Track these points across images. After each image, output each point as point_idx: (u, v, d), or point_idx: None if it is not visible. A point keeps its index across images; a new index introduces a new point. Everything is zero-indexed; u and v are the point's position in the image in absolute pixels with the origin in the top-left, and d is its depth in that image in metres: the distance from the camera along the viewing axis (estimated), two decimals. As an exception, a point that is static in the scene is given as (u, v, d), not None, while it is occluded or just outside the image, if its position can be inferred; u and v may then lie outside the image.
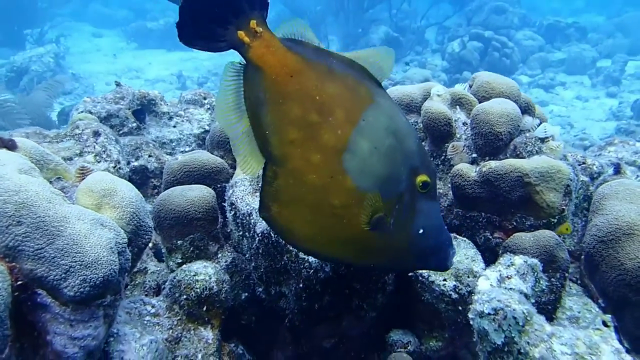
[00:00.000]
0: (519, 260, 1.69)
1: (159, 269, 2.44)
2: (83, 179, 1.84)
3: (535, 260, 1.72)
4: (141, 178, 3.27)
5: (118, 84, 3.81)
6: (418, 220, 1.58)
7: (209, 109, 3.78)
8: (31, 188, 1.53)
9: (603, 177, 2.41)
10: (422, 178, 1.57)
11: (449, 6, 15.30)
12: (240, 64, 1.57)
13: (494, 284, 1.59)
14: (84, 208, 1.66)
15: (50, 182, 1.81)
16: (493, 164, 2.06)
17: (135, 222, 1.82)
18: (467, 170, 2.12)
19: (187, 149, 3.54)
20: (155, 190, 3.32)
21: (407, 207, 1.57)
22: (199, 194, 2.24)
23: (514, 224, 2.08)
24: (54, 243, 1.51)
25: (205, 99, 3.82)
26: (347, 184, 1.52)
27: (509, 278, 1.62)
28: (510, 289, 1.56)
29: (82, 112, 3.37)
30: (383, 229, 1.55)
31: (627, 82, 10.82)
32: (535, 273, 1.69)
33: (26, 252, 1.47)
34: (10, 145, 1.67)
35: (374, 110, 1.54)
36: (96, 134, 2.93)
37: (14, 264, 1.45)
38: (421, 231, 1.58)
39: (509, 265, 1.68)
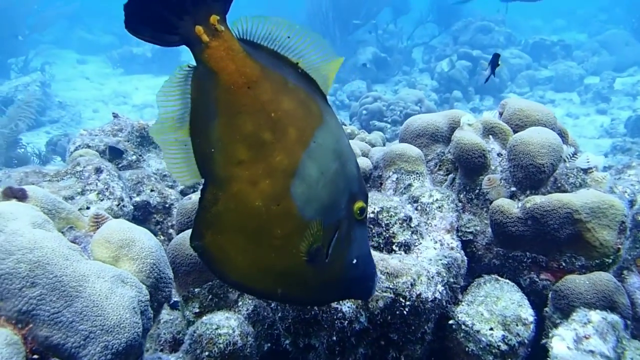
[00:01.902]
0: (596, 316, 1.53)
1: (172, 317, 2.26)
2: (97, 228, 1.68)
3: (617, 317, 1.55)
4: (143, 214, 3.12)
5: (116, 116, 3.67)
6: (353, 249, 1.44)
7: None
8: (47, 244, 1.37)
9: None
10: (359, 204, 1.43)
11: (435, 26, 15.40)
12: (189, 67, 1.34)
13: (571, 345, 1.43)
14: (103, 264, 1.49)
15: (62, 233, 1.65)
16: (538, 199, 1.91)
17: (156, 274, 1.66)
18: (508, 206, 1.97)
19: (190, 180, 3.39)
20: (159, 227, 3.17)
21: (344, 236, 1.42)
22: (217, 236, 2.07)
23: (563, 264, 1.93)
24: (71, 306, 1.35)
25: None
26: (293, 212, 1.33)
27: (587, 338, 1.45)
28: (591, 351, 1.40)
29: (79, 145, 3.22)
30: (320, 260, 1.39)
31: (616, 98, 10.87)
32: (617, 332, 1.52)
33: (41, 316, 1.31)
34: (21, 196, 1.50)
35: (324, 130, 1.37)
36: (98, 170, 2.77)
37: (27, 329, 1.30)
38: (354, 261, 1.44)
39: (585, 323, 1.52)
